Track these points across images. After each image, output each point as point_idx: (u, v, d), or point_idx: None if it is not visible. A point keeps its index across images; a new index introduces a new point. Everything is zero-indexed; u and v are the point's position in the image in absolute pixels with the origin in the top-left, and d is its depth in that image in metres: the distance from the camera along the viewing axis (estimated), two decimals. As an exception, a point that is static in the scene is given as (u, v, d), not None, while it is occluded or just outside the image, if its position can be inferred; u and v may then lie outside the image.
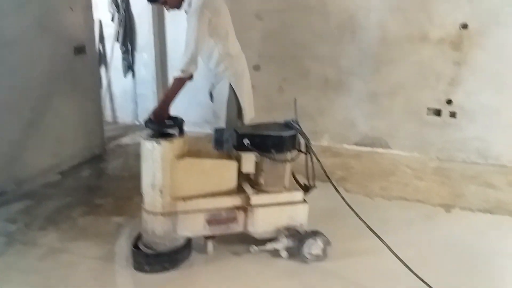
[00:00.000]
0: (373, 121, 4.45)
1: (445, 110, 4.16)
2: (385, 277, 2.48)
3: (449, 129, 4.19)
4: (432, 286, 2.23)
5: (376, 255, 2.55)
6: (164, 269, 2.52)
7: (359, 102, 4.45)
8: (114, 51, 5.18)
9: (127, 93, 5.39)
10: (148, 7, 4.82)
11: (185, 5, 2.87)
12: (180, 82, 2.74)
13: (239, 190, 2.64)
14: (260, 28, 4.63)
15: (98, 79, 4.42)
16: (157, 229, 2.52)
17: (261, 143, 2.54)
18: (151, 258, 2.52)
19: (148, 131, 2.56)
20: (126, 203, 3.40)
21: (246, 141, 2.52)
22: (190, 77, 2.77)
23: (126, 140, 4.94)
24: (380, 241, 2.42)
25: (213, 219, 2.57)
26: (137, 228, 2.95)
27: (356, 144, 4.57)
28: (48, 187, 3.69)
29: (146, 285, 2.45)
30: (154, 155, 2.42)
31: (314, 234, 2.60)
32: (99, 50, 5.28)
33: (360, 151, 4.49)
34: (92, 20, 4.16)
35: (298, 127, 2.59)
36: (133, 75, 5.24)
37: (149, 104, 5.15)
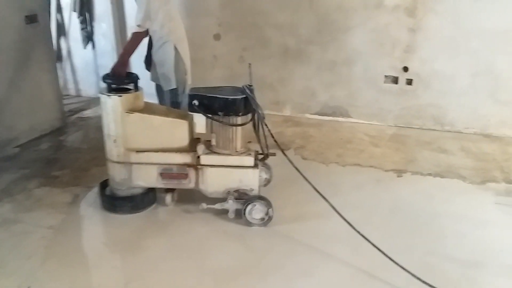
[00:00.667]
0: (333, 90, 4.50)
1: (402, 77, 4.23)
2: (331, 238, 2.58)
3: (405, 96, 4.27)
4: (375, 244, 2.32)
5: (324, 218, 2.66)
6: (121, 211, 2.81)
7: (319, 71, 4.48)
8: (71, 21, 5.06)
9: (88, 65, 5.29)
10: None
11: None
12: (137, 37, 2.94)
13: (192, 148, 2.73)
14: (219, -4, 4.58)
15: (52, 49, 4.30)
16: (115, 176, 2.79)
17: (209, 105, 2.62)
18: (112, 200, 2.85)
19: (105, 86, 2.74)
20: (83, 174, 3.41)
21: (194, 102, 2.59)
22: (146, 32, 2.95)
23: (87, 113, 4.89)
24: (328, 205, 2.48)
25: (165, 173, 2.74)
26: (92, 198, 3.01)
27: (317, 113, 4.62)
28: (5, 160, 3.65)
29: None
30: (107, 108, 2.66)
31: (257, 198, 2.66)
32: (57, 20, 5.16)
33: (321, 120, 4.55)
34: (44, -13, 4.04)
35: (248, 92, 2.59)
36: (93, 46, 5.14)
37: (110, 75, 5.09)
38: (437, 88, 4.15)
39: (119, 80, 2.76)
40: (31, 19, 3.91)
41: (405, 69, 4.19)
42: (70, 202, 3.00)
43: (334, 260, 2.40)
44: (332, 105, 4.55)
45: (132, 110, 2.67)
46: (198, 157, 2.69)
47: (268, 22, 4.50)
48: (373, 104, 4.40)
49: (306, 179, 2.59)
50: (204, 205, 2.71)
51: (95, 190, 3.12)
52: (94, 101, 5.22)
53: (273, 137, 2.77)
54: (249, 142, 2.85)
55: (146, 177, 2.77)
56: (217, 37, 4.73)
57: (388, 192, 3.15)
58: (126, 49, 2.98)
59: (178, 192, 2.94)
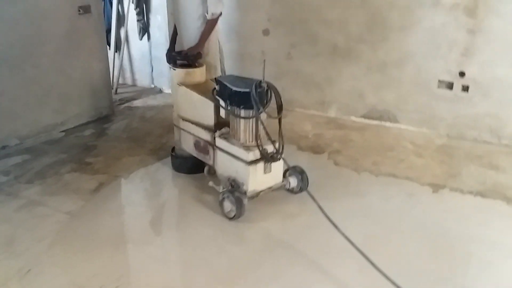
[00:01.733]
0: (382, 92, 4.23)
1: (457, 83, 3.86)
2: (336, 254, 2.38)
3: (460, 104, 3.90)
4: (380, 267, 2.11)
5: (335, 232, 2.45)
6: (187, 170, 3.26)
7: (368, 72, 4.23)
8: (129, 13, 5.22)
9: (144, 56, 5.46)
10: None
11: None
12: (212, 23, 3.21)
13: (218, 129, 2.89)
14: (270, -10, 4.47)
15: (104, 39, 4.46)
16: (175, 137, 3.31)
17: (222, 93, 2.71)
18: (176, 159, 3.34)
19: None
20: (114, 162, 3.51)
21: (215, 87, 2.75)
22: (218, 17, 3.21)
23: (137, 102, 5.04)
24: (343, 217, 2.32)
25: (197, 145, 3.05)
26: (116, 188, 3.08)
27: (364, 116, 4.37)
28: (49, 143, 3.86)
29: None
30: (171, 79, 3.31)
31: (229, 193, 2.66)
32: (118, 11, 5.35)
33: (367, 124, 4.30)
34: (98, -21, 4.19)
35: (253, 88, 2.52)
36: (148, 37, 5.28)
37: (162, 67, 5.20)
38: (496, 96, 3.74)
39: (178, 57, 3.12)
40: (84, 9, 4.08)
41: (462, 74, 3.82)
42: (94, 190, 3.09)
43: (332, 279, 2.22)
44: (380, 108, 4.28)
45: (183, 83, 3.05)
46: (215, 138, 2.85)
47: (317, 19, 4.33)
48: (424, 110, 4.07)
49: (314, 199, 2.42)
50: (211, 183, 2.90)
51: (121, 179, 3.20)
52: (146, 91, 5.40)
53: (268, 136, 2.65)
54: (273, 140, 2.72)
55: (187, 144, 3.17)
56: (266, 32, 4.64)
57: (417, 208, 2.89)
58: (203, 35, 3.19)
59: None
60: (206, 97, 2.89)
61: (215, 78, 2.86)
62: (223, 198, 2.69)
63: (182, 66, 3.10)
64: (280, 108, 2.70)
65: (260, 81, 2.59)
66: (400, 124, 4.21)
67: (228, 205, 2.68)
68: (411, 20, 3.90)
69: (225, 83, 2.69)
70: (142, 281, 2.22)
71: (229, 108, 2.71)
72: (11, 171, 3.34)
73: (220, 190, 2.77)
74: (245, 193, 2.68)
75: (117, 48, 5.43)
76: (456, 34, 3.75)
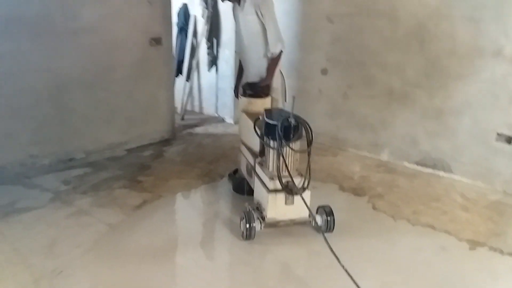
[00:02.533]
0: (437, 140, 4.10)
1: (517, 137, 3.66)
2: None
3: (520, 159, 3.68)
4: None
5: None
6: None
7: (423, 118, 4.14)
8: (201, 46, 5.59)
9: (211, 87, 5.78)
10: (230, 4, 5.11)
11: None
12: (275, 60, 3.48)
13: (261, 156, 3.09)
14: (330, 31, 4.59)
15: (172, 69, 4.82)
16: (239, 159, 3.57)
17: (260, 123, 2.93)
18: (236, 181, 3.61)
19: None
20: (162, 183, 3.75)
21: (258, 118, 3.00)
22: (281, 53, 3.47)
23: (198, 129, 5.33)
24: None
25: (247, 168, 3.29)
26: (156, 206, 3.29)
27: (417, 163, 4.26)
28: (111, 160, 4.22)
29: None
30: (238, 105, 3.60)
31: (247, 217, 2.79)
32: (192, 44, 5.75)
33: (419, 172, 4.18)
34: (170, 14, 4.58)
35: (280, 122, 2.66)
36: (217, 69, 5.60)
37: (226, 98, 5.48)
38: (560, 155, 3.48)
39: (246, 87, 3.44)
40: (156, 41, 4.47)
41: (522, 128, 3.62)
42: (137, 206, 3.33)
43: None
44: (434, 156, 4.15)
45: (245, 111, 3.36)
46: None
47: (375, 61, 4.35)
48: (481, 163, 3.88)
49: (327, 242, 2.40)
50: (246, 204, 2.95)
51: (163, 199, 3.43)
52: (210, 120, 5.69)
53: (288, 169, 2.72)
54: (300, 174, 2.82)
55: (242, 167, 3.42)
56: (324, 71, 4.74)
57: (447, 263, 2.76)
58: (270, 72, 3.48)
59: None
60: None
61: (264, 109, 3.04)
62: (241, 219, 2.83)
63: (249, 95, 3.39)
64: (309, 143, 2.77)
65: (289, 116, 2.69)
66: (454, 175, 4.04)
67: (243, 226, 2.80)
68: (470, 69, 3.79)
69: (265, 114, 2.85)
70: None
71: (263, 137, 2.88)
72: (71, 181, 3.70)
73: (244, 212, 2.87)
74: (263, 219, 2.77)
75: (188, 77, 5.80)
76: (517, 87, 3.58)
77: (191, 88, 5.88)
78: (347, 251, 2.61)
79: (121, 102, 4.35)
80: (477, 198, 3.66)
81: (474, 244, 2.96)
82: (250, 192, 3.19)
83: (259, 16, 3.36)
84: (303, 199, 2.74)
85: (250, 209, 2.86)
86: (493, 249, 2.91)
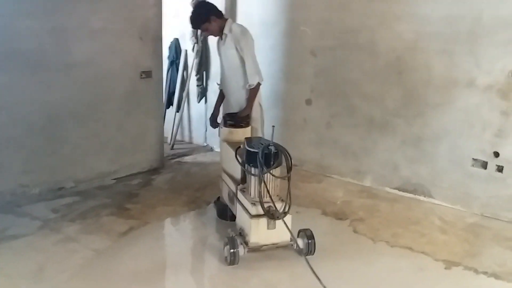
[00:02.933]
0: (416, 166, 4.25)
1: (492, 163, 3.81)
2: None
3: (495, 183, 3.81)
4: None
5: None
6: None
7: (403, 145, 4.30)
8: (191, 78, 5.79)
9: (201, 117, 5.94)
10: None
11: (226, 29, 3.60)
12: (254, 91, 3.69)
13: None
14: (314, 64, 4.79)
15: (161, 100, 5.00)
16: (220, 186, 3.69)
17: (242, 150, 3.04)
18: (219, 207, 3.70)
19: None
20: (149, 210, 3.85)
21: (239, 146, 3.14)
22: (259, 85, 3.68)
23: (187, 158, 5.46)
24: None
25: (229, 195, 3.40)
26: (143, 233, 3.38)
27: (398, 189, 4.39)
28: (99, 189, 4.32)
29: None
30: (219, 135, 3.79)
31: (231, 243, 2.87)
32: (182, 76, 5.95)
33: (399, 196, 4.30)
34: (160, 49, 4.78)
35: (261, 149, 2.80)
36: (206, 101, 5.78)
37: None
38: (532, 179, 3.63)
39: (227, 118, 3.61)
40: (146, 74, 4.66)
41: (496, 154, 3.78)
42: (123, 233, 3.42)
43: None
44: (414, 182, 4.29)
45: (226, 140, 3.52)
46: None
47: (356, 92, 4.54)
48: (458, 188, 4.02)
49: (310, 265, 2.55)
50: (229, 230, 3.05)
51: (149, 225, 3.53)
52: (199, 149, 5.83)
53: (269, 195, 2.85)
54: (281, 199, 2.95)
55: (224, 194, 3.55)
56: (308, 102, 4.92)
57: (423, 283, 2.86)
58: (249, 103, 3.70)
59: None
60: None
61: (245, 138, 3.17)
62: (225, 244, 2.93)
63: (230, 125, 3.55)
64: (289, 169, 2.91)
65: (269, 144, 2.84)
66: (434, 199, 4.16)
67: (226, 251, 2.90)
68: (446, 98, 3.98)
69: (246, 143, 2.99)
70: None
71: (244, 165, 3.01)
72: (60, 209, 3.80)
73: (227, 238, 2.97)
74: (247, 243, 2.86)
75: (179, 108, 5.98)
76: (490, 115, 3.76)
77: (181, 119, 6.04)
78: (328, 273, 2.73)
79: (112, 133, 4.48)
80: (455, 220, 3.78)
81: (449, 264, 3.07)
82: (233, 218, 3.29)
83: (238, 50, 3.58)
84: (284, 223, 2.86)
85: (233, 235, 2.96)
86: (467, 268, 3.01)
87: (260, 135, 3.82)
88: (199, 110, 5.96)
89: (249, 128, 3.60)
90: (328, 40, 4.66)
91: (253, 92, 3.70)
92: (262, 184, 2.82)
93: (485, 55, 3.74)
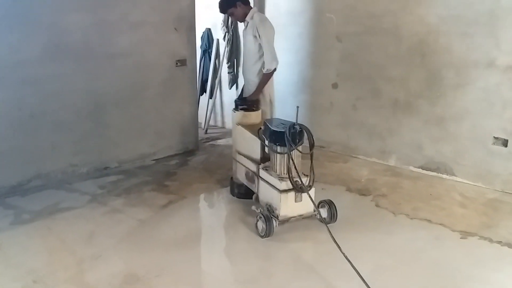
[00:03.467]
0: (439, 145, 4.41)
1: (512, 140, 3.94)
2: (344, 277, 2.69)
3: (515, 161, 3.95)
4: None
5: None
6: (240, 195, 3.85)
7: (426, 125, 4.46)
8: (222, 66, 6.10)
9: (232, 103, 6.22)
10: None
11: (248, 17, 3.93)
12: (267, 76, 3.96)
13: (263, 162, 3.47)
14: (339, 49, 5.00)
15: (195, 87, 5.32)
16: (233, 167, 3.93)
17: (265, 132, 3.28)
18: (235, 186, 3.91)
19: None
20: (186, 187, 4.19)
21: (260, 128, 3.35)
22: (273, 72, 3.93)
23: (221, 141, 5.79)
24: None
25: (247, 175, 3.63)
26: (180, 206, 3.72)
27: (422, 167, 4.56)
28: (141, 168, 4.70)
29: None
30: (232, 118, 3.90)
31: (261, 214, 3.14)
32: (215, 64, 6.27)
33: (423, 175, 4.48)
34: (194, 39, 5.08)
35: (287, 129, 3.04)
36: (236, 87, 6.07)
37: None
38: (551, 155, 3.74)
39: (240, 102, 3.85)
40: (181, 62, 4.99)
41: (516, 132, 3.90)
42: (163, 205, 3.78)
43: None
44: (437, 160, 4.45)
45: (240, 123, 3.72)
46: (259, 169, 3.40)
47: (381, 75, 4.72)
48: (480, 165, 4.16)
49: (330, 232, 2.77)
50: (253, 207, 3.40)
51: (185, 199, 3.87)
52: (230, 133, 6.10)
53: (296, 170, 3.09)
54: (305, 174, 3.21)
55: (240, 174, 3.77)
56: (335, 85, 5.14)
57: (438, 249, 3.07)
58: (259, 86, 3.98)
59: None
60: (255, 135, 3.48)
61: (265, 120, 3.44)
62: (258, 219, 3.19)
63: (242, 109, 3.75)
64: (311, 146, 3.17)
65: (294, 124, 3.10)
66: (457, 177, 4.32)
67: (260, 225, 3.16)
68: (467, 79, 4.11)
69: (268, 124, 3.25)
70: (175, 276, 2.77)
71: (268, 144, 3.25)
72: (106, 186, 4.19)
73: (257, 213, 3.26)
74: (277, 217, 3.14)
75: (211, 94, 6.30)
76: (510, 94, 3.88)
77: (214, 105, 6.37)
78: (349, 241, 2.97)
79: (151, 118, 4.85)
80: (475, 196, 3.94)
81: (465, 234, 3.26)
82: (240, 195, 3.75)
83: (257, 37, 3.85)
84: (309, 195, 3.12)
85: (261, 210, 3.23)
86: (482, 238, 3.20)
87: (268, 117, 4.08)
88: (230, 96, 6.25)
89: (260, 111, 3.83)
90: (353, 26, 4.85)
91: (265, 77, 3.97)
92: (291, 160, 3.07)
93: (504, 36, 3.85)
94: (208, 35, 6.29)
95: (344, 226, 3.32)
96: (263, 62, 3.95)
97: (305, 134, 3.18)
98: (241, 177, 3.77)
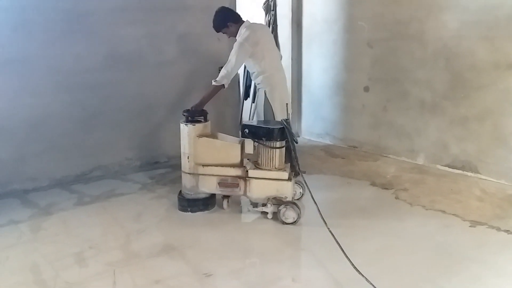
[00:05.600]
0: (464, 144, 4.60)
1: (533, 139, 4.09)
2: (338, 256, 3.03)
3: (536, 158, 4.09)
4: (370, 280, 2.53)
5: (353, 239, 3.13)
6: (189, 210, 3.78)
7: (451, 125, 4.67)
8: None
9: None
10: (289, 36, 6.08)
11: (238, 33, 4.10)
12: (214, 89, 4.01)
13: (242, 165, 3.67)
14: (370, 55, 5.32)
15: (238, 91, 5.83)
16: (186, 183, 3.80)
17: (256, 132, 3.56)
18: (184, 201, 3.81)
19: (184, 118, 3.81)
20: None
21: (246, 130, 3.59)
22: (222, 86, 3.96)
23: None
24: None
25: (222, 183, 3.67)
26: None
27: (448, 166, 4.77)
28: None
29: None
30: (184, 133, 3.74)
31: (290, 203, 3.42)
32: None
33: (448, 172, 4.68)
34: (235, 48, 5.60)
35: (284, 124, 3.45)
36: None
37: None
38: None
39: (193, 114, 3.83)
40: (219, 69, 5.50)
41: (536, 131, 4.06)
42: (202, 194, 4.27)
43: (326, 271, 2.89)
44: (462, 159, 4.65)
45: (201, 135, 3.70)
46: (247, 171, 3.61)
47: (408, 78, 4.99)
48: (503, 163, 4.32)
49: (329, 229, 3.00)
50: (250, 208, 3.67)
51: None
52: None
53: (296, 159, 3.49)
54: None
55: (209, 185, 3.70)
56: (366, 89, 5.45)
57: (445, 235, 3.31)
58: (204, 97, 4.00)
59: (232, 199, 3.90)
60: (230, 141, 3.79)
61: (242, 124, 3.74)
62: (284, 210, 3.46)
63: (196, 122, 3.75)
64: (295, 141, 3.59)
65: (286, 119, 3.51)
66: (481, 175, 4.50)
67: (291, 214, 3.46)
68: (489, 80, 4.31)
69: (259, 125, 3.64)
70: (204, 247, 3.24)
71: (265, 143, 3.54)
72: (155, 177, 4.77)
73: (269, 208, 3.51)
74: (294, 203, 3.52)
75: (254, 99, 6.78)
76: (529, 94, 4.05)
77: (255, 108, 6.83)
78: (361, 226, 3.36)
79: (196, 118, 5.39)
80: (495, 192, 4.11)
81: (475, 223, 3.48)
82: (194, 209, 3.74)
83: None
84: (303, 179, 3.54)
85: (274, 202, 3.49)
86: (491, 227, 3.41)
87: (261, 118, 4.24)
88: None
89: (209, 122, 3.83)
90: (382, 32, 5.16)
91: (211, 90, 3.99)
92: (292, 152, 3.48)
93: (524, 39, 4.03)
94: (251, 44, 6.79)
95: (361, 214, 3.69)
96: (260, 72, 4.12)
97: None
98: (209, 188, 3.72)
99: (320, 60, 5.90)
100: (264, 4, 6.19)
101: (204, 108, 3.92)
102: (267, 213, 3.56)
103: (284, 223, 3.49)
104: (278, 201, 3.52)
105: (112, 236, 3.43)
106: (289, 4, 5.95)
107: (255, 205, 3.72)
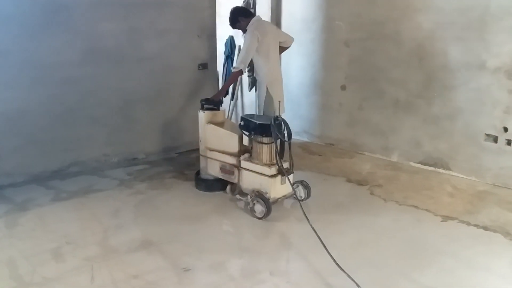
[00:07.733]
0: (436, 142, 4.75)
1: (502, 137, 4.24)
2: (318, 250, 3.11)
3: (505, 156, 4.24)
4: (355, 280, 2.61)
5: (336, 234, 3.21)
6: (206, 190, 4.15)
7: (424, 123, 4.81)
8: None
9: (252, 104, 6.75)
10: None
11: (247, 27, 4.33)
12: (234, 75, 4.31)
13: (241, 154, 3.85)
14: (347, 54, 5.42)
15: (216, 88, 5.82)
16: (201, 164, 4.24)
17: (247, 126, 3.67)
18: (199, 181, 4.23)
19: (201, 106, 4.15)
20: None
21: (240, 123, 3.69)
22: (241, 72, 4.21)
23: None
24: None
25: (222, 168, 3.99)
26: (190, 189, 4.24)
27: (421, 163, 4.91)
28: (165, 160, 5.26)
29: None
30: (199, 119, 4.17)
31: (258, 198, 3.51)
32: (236, 69, 6.79)
33: (422, 169, 4.82)
34: (215, 45, 5.62)
35: (272, 121, 3.50)
36: (255, 89, 6.56)
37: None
38: (536, 150, 4.03)
39: (206, 102, 4.13)
40: (203, 66, 5.54)
41: (505, 129, 4.21)
42: (180, 189, 4.30)
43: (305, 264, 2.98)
44: (434, 156, 4.79)
45: (210, 122, 4.03)
46: (240, 161, 3.78)
47: (383, 77, 5.11)
48: (473, 160, 4.48)
49: (311, 225, 3.10)
50: (238, 196, 3.85)
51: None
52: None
53: (278, 154, 3.58)
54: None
55: (213, 168, 4.08)
56: (343, 87, 5.56)
57: (417, 229, 3.44)
58: (225, 84, 4.40)
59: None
60: (231, 131, 3.96)
61: (241, 116, 3.88)
62: (254, 204, 3.58)
63: (208, 109, 4.11)
64: (289, 136, 3.64)
65: (277, 117, 3.56)
66: (452, 172, 4.65)
67: (259, 208, 3.56)
68: (460, 80, 4.46)
69: (249, 119, 3.71)
70: (182, 243, 3.27)
71: (253, 137, 3.68)
72: (133, 173, 4.77)
73: (249, 199, 3.63)
74: (268, 199, 3.58)
75: (233, 96, 6.83)
76: (499, 94, 4.20)
77: (235, 105, 6.89)
78: (337, 220, 3.45)
79: (175, 115, 5.42)
80: (466, 188, 4.27)
81: (446, 218, 3.62)
82: (207, 188, 4.08)
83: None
84: (288, 179, 3.63)
85: (253, 196, 3.57)
86: (462, 221, 3.55)
87: (261, 112, 4.48)
88: (250, 98, 6.76)
89: (223, 111, 4.21)
90: (359, 32, 5.27)
91: (231, 77, 4.42)
92: (275, 148, 3.56)
93: (493, 40, 4.18)
94: (231, 42, 6.83)
95: (336, 208, 3.79)
96: (264, 63, 4.36)
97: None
98: (214, 171, 4.08)
99: (298, 59, 5.97)
100: (243, 2, 6.23)
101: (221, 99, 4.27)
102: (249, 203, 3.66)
103: (255, 216, 3.60)
104: (260, 195, 3.58)
105: (90, 231, 3.43)
106: (269, 3, 6.01)
107: (245, 194, 3.80)
